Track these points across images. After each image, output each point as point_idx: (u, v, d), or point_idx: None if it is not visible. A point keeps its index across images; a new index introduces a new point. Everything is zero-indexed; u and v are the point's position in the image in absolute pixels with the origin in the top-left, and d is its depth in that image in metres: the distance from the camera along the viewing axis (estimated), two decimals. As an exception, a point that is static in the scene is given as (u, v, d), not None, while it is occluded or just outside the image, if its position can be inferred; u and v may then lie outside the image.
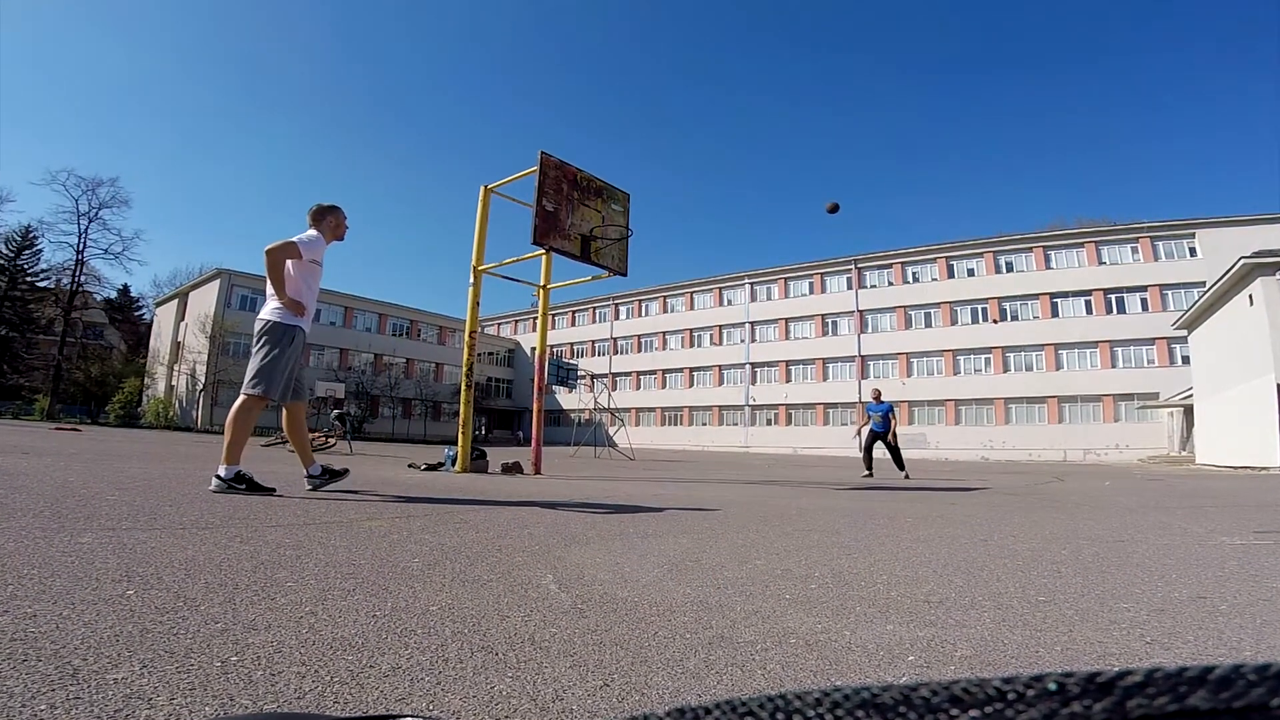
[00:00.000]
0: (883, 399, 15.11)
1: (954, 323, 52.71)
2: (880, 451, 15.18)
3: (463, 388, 11.76)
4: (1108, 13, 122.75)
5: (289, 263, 5.64)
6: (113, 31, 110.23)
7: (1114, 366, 46.32)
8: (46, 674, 1.47)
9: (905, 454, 50.33)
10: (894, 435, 14.62)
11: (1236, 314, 26.38)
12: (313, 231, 5.80)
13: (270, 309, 5.64)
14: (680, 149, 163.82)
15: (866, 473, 14.29)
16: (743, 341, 63.11)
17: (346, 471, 6.04)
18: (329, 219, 5.94)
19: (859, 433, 15.36)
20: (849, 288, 58.00)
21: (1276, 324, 23.37)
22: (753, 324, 62.93)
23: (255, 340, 5.67)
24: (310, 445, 5.89)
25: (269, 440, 20.73)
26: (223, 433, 5.51)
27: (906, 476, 14.21)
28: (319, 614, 2.05)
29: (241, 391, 5.49)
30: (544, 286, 12.60)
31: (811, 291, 60.30)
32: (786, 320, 60.96)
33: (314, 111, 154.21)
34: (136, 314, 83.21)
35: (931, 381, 52.59)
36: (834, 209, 13.59)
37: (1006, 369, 49.86)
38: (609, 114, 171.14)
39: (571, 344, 75.76)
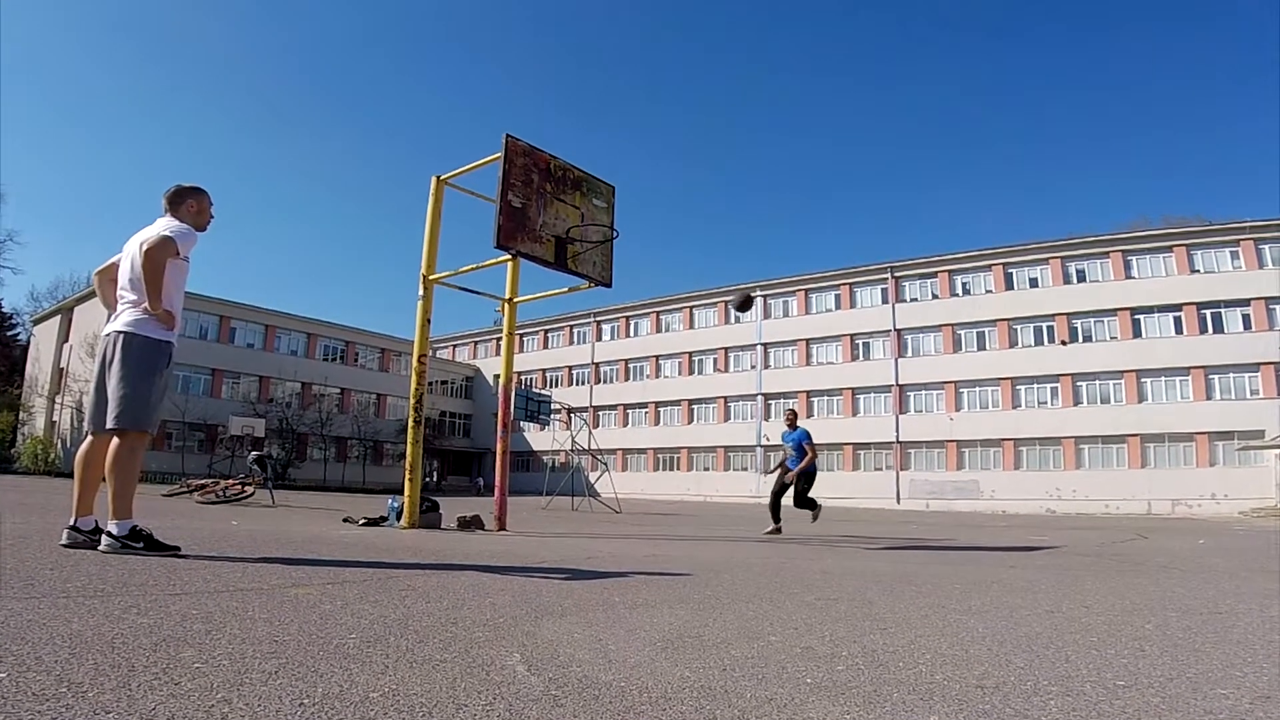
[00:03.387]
0: (798, 424, 14.02)
1: (1013, 344, 52.97)
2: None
3: (410, 424, 11.74)
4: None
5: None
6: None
7: (1209, 398, 46.48)
8: (-102, 776, 1.47)
9: (952, 504, 50.09)
10: (805, 475, 13.51)
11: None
12: (177, 222, 5.69)
13: (130, 320, 5.51)
14: (677, 131, 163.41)
15: (773, 526, 13.27)
16: (754, 367, 63.34)
17: (178, 549, 5.50)
18: (190, 203, 5.80)
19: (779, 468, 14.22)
20: (884, 301, 58.37)
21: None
22: (766, 346, 63.17)
23: (113, 360, 5.45)
24: (130, 493, 5.42)
25: (172, 489, 20.64)
26: (108, 481, 5.40)
27: (815, 516, 14.07)
28: (234, 702, 2.04)
29: (109, 426, 5.35)
30: (510, 300, 12.62)
31: (838, 306, 60.65)
32: (807, 341, 61.24)
33: (228, 82, 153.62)
34: (9, 334, 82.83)
35: (985, 417, 52.80)
36: (744, 305, 13.62)
37: (1077, 401, 50.09)
38: (589, 87, 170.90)
39: (544, 370, 75.85)
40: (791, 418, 14.14)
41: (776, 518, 13.37)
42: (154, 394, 5.47)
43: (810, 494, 13.65)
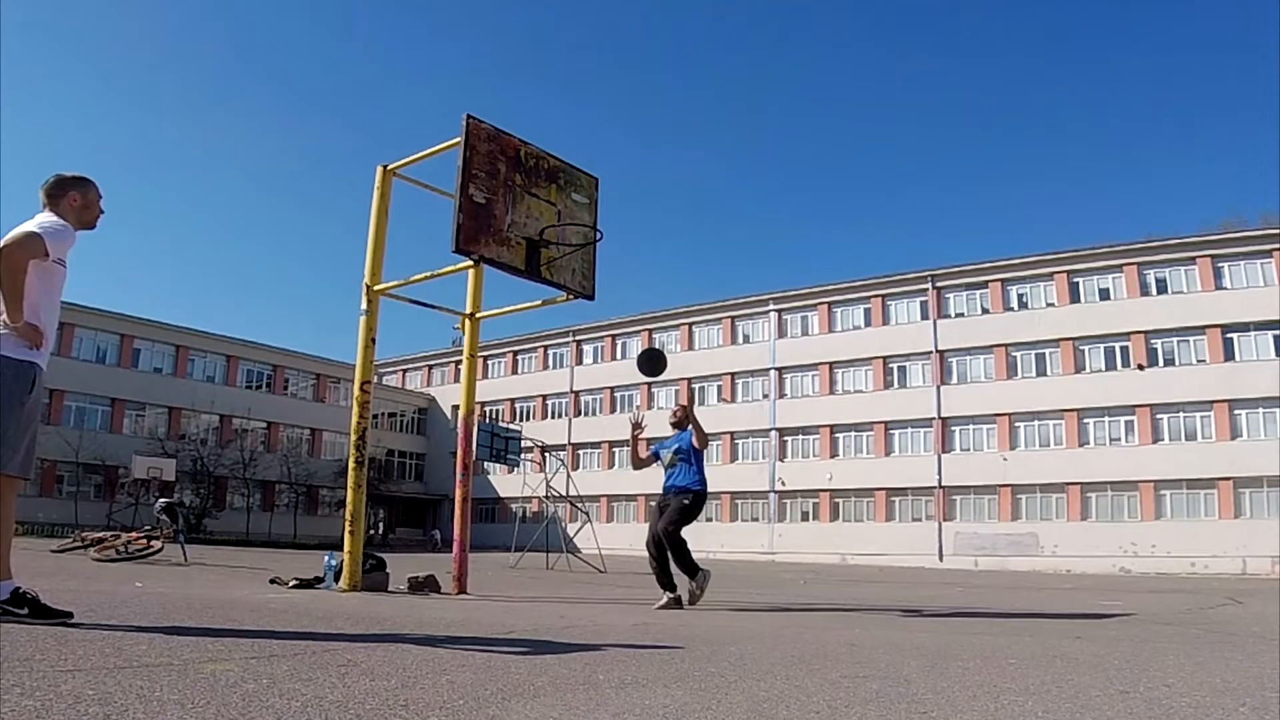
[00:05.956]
0: (685, 423, 11.16)
1: (1080, 369, 53.08)
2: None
3: (351, 465, 11.73)
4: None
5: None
6: None
7: (1319, 433, 46.49)
8: None
9: (1005, 562, 49.98)
10: (682, 512, 10.46)
11: None
12: (53, 217, 5.61)
13: None
14: (673, 111, 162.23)
15: (668, 598, 10.17)
16: (766, 396, 63.46)
17: (70, 615, 5.44)
18: (73, 196, 5.73)
19: (636, 430, 11.71)
20: (924, 316, 58.57)
21: None
22: (781, 371, 63.34)
23: None
24: (5, 549, 5.34)
25: (64, 543, 20.57)
26: None
27: (692, 594, 10.29)
28: (138, 801, 2.05)
29: None
30: (471, 315, 12.64)
31: (868, 322, 60.83)
32: (831, 365, 61.29)
33: (123, 50, 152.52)
34: None
35: (1046, 457, 52.79)
36: (653, 364, 12.38)
37: (1157, 438, 50.06)
38: (567, 57, 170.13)
39: (512, 400, 76.04)
40: (683, 414, 11.27)
41: (669, 580, 10.41)
42: (11, 427, 5.33)
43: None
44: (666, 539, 10.27)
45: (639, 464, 11.89)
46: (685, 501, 10.45)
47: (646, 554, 10.58)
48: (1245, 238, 50.54)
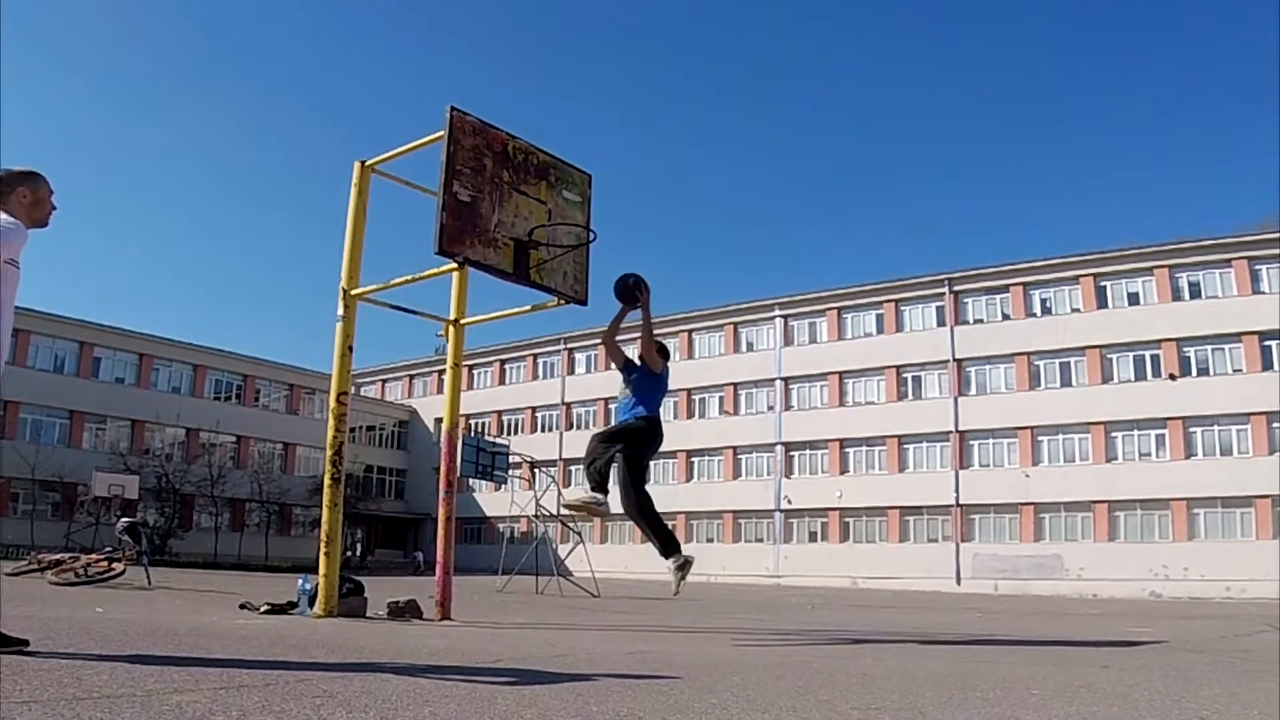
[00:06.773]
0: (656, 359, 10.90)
1: (1107, 379, 52.97)
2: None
3: (326, 482, 11.70)
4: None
5: None
6: None
7: (1362, 449, 46.26)
8: None
9: (1027, 585, 49.83)
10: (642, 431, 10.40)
11: None
12: (3, 215, 5.44)
13: None
14: (671, 102, 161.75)
15: (675, 562, 10.37)
16: (771, 408, 63.43)
17: (25, 643, 5.40)
18: (22, 191, 5.62)
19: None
20: (940, 323, 58.50)
21: None
22: (787, 381, 63.27)
23: None
24: None
25: (19, 566, 20.53)
26: None
27: (675, 588, 10.64)
28: (99, 841, 2.05)
29: None
30: (455, 321, 12.63)
31: (880, 329, 60.77)
32: (840, 375, 61.26)
33: (82, 35, 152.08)
34: None
35: (1071, 473, 52.63)
36: (632, 292, 10.64)
37: (1190, 452, 49.90)
38: (567, 55, 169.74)
39: (499, 412, 76.00)
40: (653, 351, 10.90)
41: (597, 484, 10.34)
42: None
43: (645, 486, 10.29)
44: (638, 482, 10.12)
45: (610, 340, 11.59)
46: (631, 424, 10.42)
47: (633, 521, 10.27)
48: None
